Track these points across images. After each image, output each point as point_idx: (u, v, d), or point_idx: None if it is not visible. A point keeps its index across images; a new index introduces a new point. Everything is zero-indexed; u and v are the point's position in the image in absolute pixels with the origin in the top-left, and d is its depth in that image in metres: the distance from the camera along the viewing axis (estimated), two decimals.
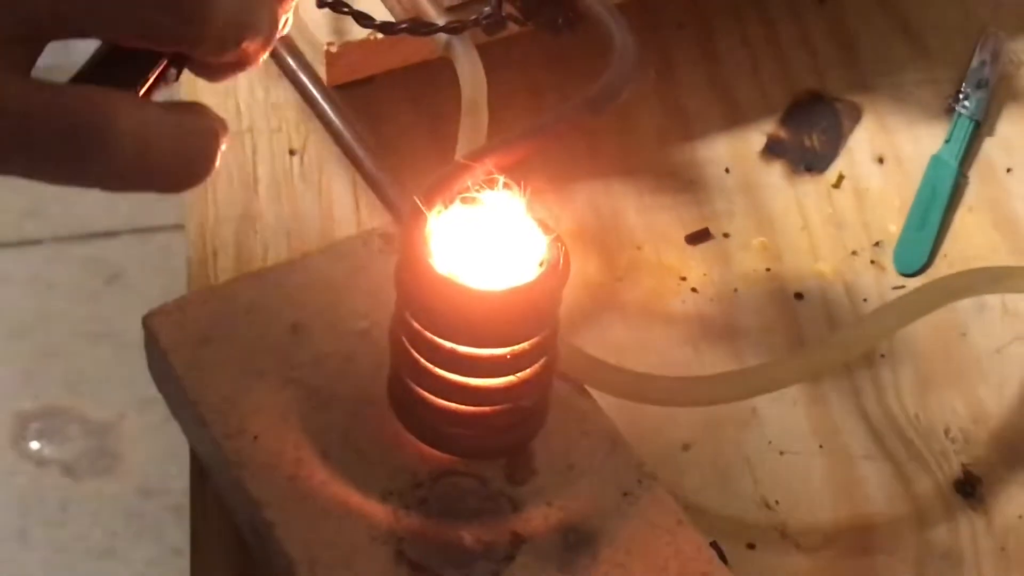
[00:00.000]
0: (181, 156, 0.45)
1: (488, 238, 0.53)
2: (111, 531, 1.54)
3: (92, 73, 0.46)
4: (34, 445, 1.60)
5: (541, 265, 0.53)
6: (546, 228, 0.53)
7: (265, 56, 0.48)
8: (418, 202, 0.52)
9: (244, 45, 0.46)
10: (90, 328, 1.69)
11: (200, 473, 0.60)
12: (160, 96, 0.47)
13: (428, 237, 0.52)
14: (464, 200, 0.53)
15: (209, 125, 0.46)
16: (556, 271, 0.53)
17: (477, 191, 0.53)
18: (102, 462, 1.59)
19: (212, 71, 0.48)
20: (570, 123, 0.57)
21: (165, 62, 0.46)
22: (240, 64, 0.48)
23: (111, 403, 1.63)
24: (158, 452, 1.58)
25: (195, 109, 0.46)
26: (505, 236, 0.53)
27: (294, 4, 0.49)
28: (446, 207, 0.53)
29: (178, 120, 0.45)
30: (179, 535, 1.54)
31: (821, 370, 0.64)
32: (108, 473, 1.58)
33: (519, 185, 0.53)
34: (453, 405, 0.55)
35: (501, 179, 0.53)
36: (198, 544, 0.59)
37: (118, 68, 0.46)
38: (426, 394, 0.55)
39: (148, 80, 0.46)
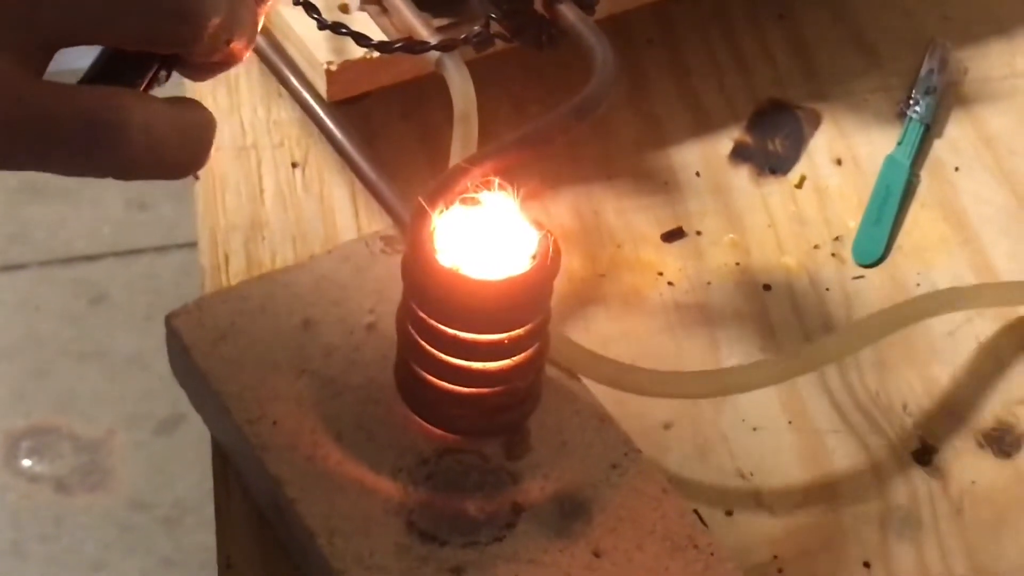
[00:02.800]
0: (184, 145, 0.48)
1: (486, 234, 0.56)
2: (104, 544, 1.55)
3: (97, 76, 0.49)
4: (26, 463, 1.61)
5: (534, 258, 0.56)
6: (538, 225, 0.56)
7: (248, 54, 0.51)
8: (423, 202, 0.56)
9: (232, 45, 0.49)
10: (77, 348, 1.70)
11: (222, 459, 0.63)
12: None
13: (432, 234, 0.56)
14: (464, 200, 0.56)
15: (206, 116, 0.50)
16: (547, 262, 0.56)
17: (475, 192, 0.56)
18: (93, 477, 1.59)
19: (200, 71, 0.51)
20: (558, 129, 0.59)
21: (158, 64, 0.49)
22: (226, 63, 0.50)
23: (100, 420, 1.63)
24: (147, 466, 1.58)
25: (192, 103, 0.49)
26: (501, 232, 0.56)
27: (270, 5, 0.51)
28: (448, 207, 0.56)
29: (180, 113, 0.48)
30: (170, 546, 1.55)
31: (787, 377, 0.65)
32: (99, 488, 1.58)
33: (513, 186, 0.56)
34: (456, 387, 0.58)
35: (497, 181, 0.56)
36: (223, 524, 0.61)
37: (119, 71, 0.49)
38: (431, 378, 0.58)
39: (145, 81, 0.49)
